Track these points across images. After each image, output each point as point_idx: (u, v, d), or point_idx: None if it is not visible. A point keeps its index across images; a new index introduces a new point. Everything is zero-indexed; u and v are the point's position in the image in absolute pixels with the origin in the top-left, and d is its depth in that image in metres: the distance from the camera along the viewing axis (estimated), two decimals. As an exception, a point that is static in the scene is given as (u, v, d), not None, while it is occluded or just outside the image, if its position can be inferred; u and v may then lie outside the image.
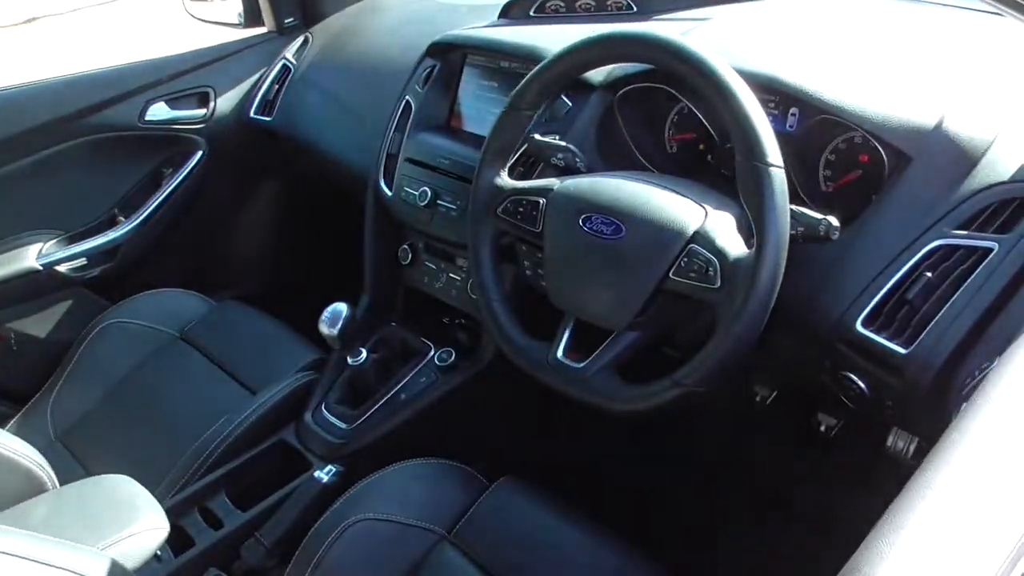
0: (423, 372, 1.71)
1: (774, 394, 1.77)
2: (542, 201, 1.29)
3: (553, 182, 1.30)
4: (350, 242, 2.00)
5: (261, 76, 2.26)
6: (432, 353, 1.74)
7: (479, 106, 1.75)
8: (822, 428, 1.68)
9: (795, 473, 1.87)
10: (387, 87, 1.88)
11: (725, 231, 1.14)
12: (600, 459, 1.99)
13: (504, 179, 1.37)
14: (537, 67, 1.32)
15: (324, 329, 1.56)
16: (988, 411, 0.62)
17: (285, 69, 2.23)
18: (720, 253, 1.11)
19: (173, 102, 2.17)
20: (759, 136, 1.09)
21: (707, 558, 1.76)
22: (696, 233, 1.14)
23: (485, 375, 1.70)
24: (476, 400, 1.72)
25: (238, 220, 2.44)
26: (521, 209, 1.31)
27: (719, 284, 1.11)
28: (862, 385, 1.21)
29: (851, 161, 1.28)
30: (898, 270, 1.12)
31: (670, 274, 1.15)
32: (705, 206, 1.17)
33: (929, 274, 1.09)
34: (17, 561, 0.89)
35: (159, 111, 2.15)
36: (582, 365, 1.25)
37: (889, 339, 1.12)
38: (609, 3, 1.73)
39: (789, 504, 1.84)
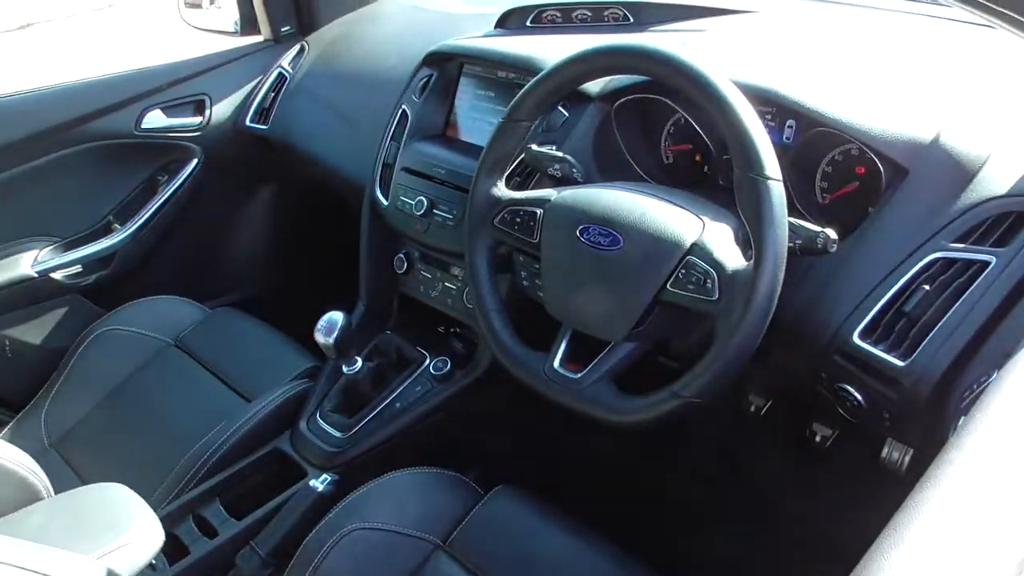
0: (418, 381, 1.71)
1: (768, 403, 1.77)
2: (539, 212, 1.29)
3: (550, 193, 1.30)
4: (345, 250, 2.00)
5: (257, 84, 2.26)
6: (427, 362, 1.74)
7: (476, 116, 1.75)
8: (817, 438, 1.68)
9: (790, 483, 1.87)
10: (383, 96, 1.88)
11: (723, 243, 1.14)
12: (595, 468, 1.98)
13: (501, 189, 1.37)
14: (535, 79, 1.32)
15: (320, 338, 1.55)
16: (988, 427, 0.62)
17: (281, 77, 2.23)
18: (718, 265, 1.11)
19: (169, 110, 2.17)
20: (757, 148, 1.09)
21: (701, 566, 1.76)
22: (694, 245, 1.14)
23: (480, 384, 1.70)
24: (471, 409, 1.72)
25: (233, 228, 2.43)
26: (518, 219, 1.31)
27: (717, 296, 1.11)
28: (859, 397, 1.21)
29: (848, 173, 1.28)
30: (895, 282, 1.13)
31: (668, 286, 1.15)
32: (703, 218, 1.17)
33: (927, 287, 1.10)
34: (12, 570, 0.89)
35: (155, 119, 2.15)
36: (579, 376, 1.25)
37: (886, 352, 1.12)
38: (606, 14, 1.74)
39: (784, 513, 1.84)
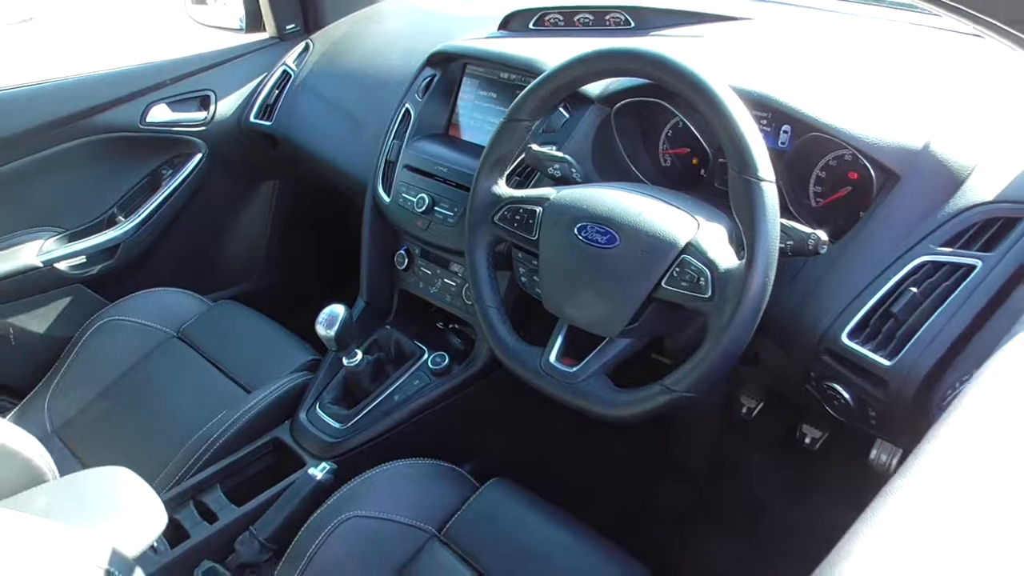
0: (417, 375, 1.73)
1: (760, 405, 1.79)
2: (538, 210, 1.31)
3: (549, 191, 1.33)
4: (347, 246, 2.02)
5: (261, 81, 2.28)
6: (426, 357, 1.76)
7: (478, 116, 1.78)
8: (807, 440, 1.70)
9: (779, 484, 1.89)
10: (387, 95, 1.91)
11: (717, 243, 1.16)
12: (589, 463, 2.00)
13: (502, 188, 1.39)
14: (536, 80, 1.35)
15: (321, 331, 1.57)
16: (961, 419, 0.65)
17: (285, 75, 2.25)
18: (711, 264, 1.14)
19: (174, 105, 2.20)
20: (752, 151, 1.11)
21: (692, 561, 1.78)
22: (688, 244, 1.16)
23: (478, 379, 1.72)
24: (468, 403, 1.74)
25: (236, 222, 2.45)
26: (518, 217, 1.34)
27: (710, 294, 1.13)
28: (847, 396, 1.24)
29: (841, 178, 1.31)
30: (884, 284, 1.15)
31: (662, 283, 1.17)
32: (698, 218, 1.20)
33: (914, 289, 1.12)
34: (17, 545, 0.91)
35: (160, 113, 2.17)
36: (574, 370, 1.27)
37: (874, 351, 1.15)
38: (607, 18, 1.76)
39: (773, 514, 1.86)
